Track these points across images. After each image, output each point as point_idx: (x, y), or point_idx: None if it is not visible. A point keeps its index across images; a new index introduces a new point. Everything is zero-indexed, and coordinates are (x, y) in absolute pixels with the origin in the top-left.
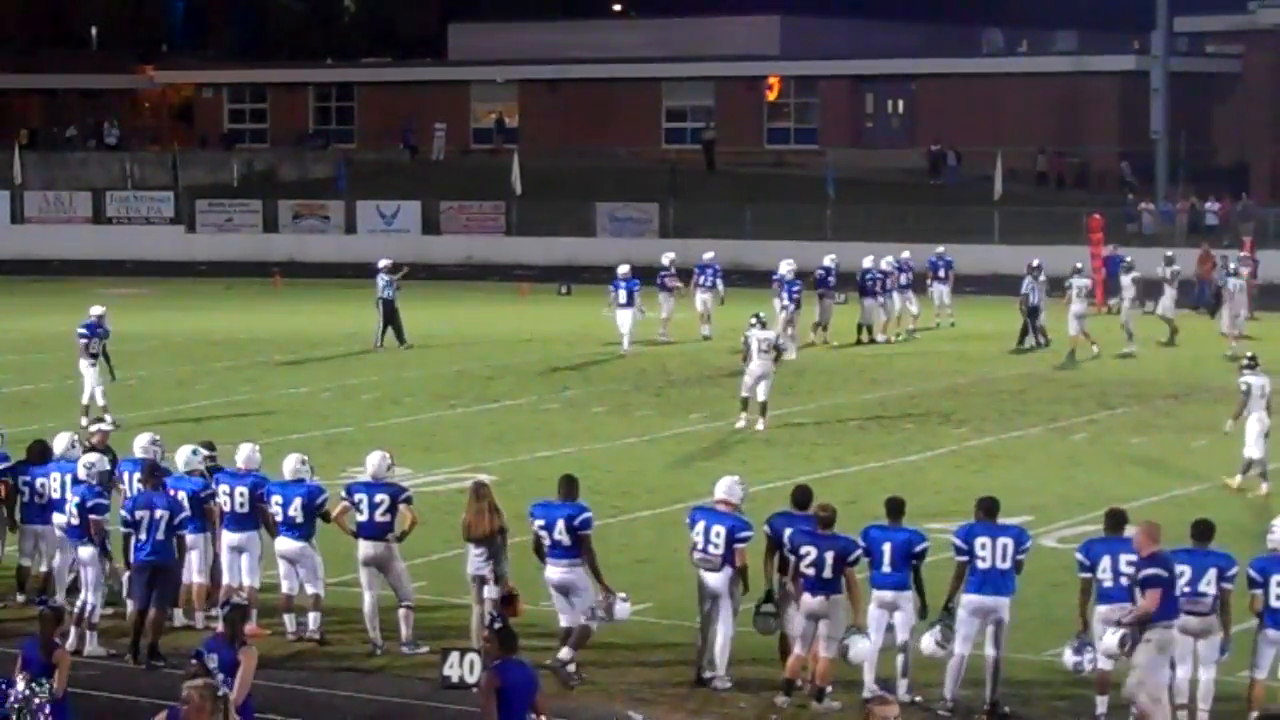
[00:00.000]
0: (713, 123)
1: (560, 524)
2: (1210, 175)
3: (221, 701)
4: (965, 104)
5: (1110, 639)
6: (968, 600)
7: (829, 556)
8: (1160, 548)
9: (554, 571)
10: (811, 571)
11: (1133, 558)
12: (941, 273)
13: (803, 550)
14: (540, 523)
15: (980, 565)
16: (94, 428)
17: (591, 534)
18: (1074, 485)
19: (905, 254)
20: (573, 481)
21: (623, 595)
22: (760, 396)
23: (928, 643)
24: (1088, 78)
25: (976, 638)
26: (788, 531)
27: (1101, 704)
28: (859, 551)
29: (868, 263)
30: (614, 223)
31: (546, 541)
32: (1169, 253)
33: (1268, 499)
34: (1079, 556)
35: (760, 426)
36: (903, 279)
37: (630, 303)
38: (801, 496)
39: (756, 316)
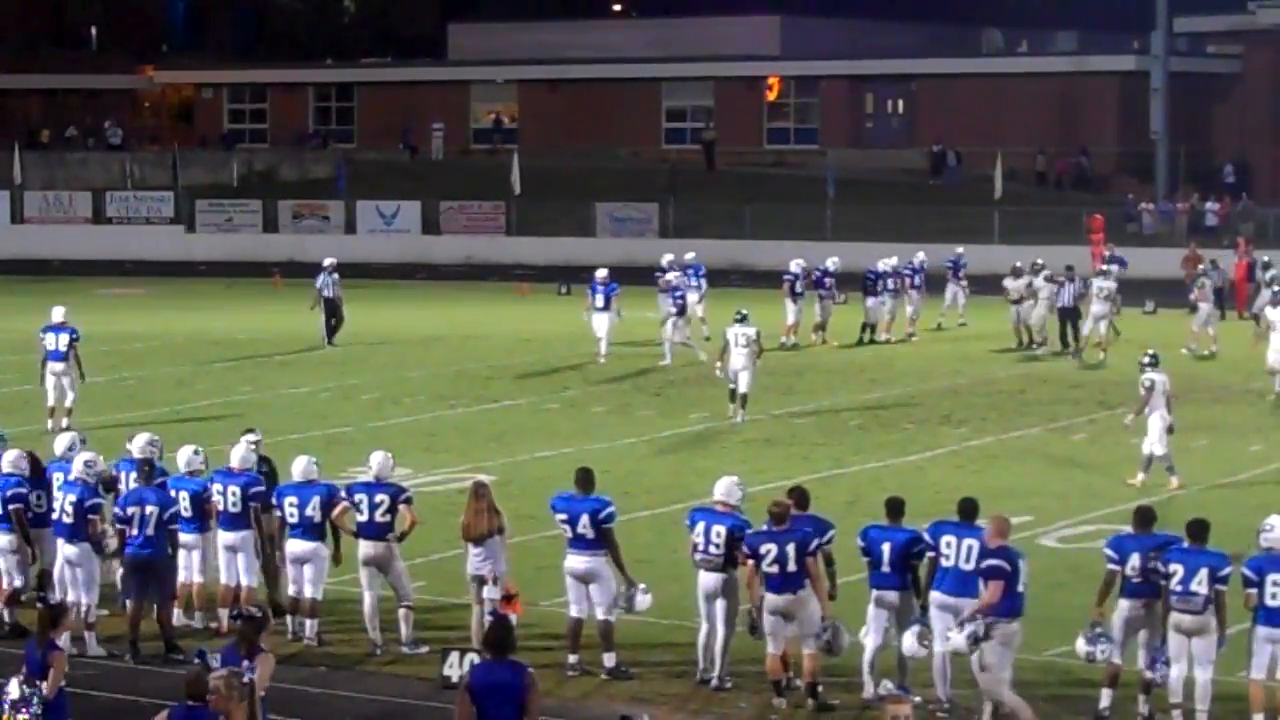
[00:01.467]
0: (713, 123)
1: (585, 518)
2: (1210, 175)
3: (247, 689)
4: (965, 104)
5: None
6: (934, 597)
7: (790, 550)
8: (1007, 542)
9: (576, 562)
10: (775, 569)
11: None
12: (959, 273)
13: (763, 549)
14: (563, 516)
15: (944, 563)
16: (249, 437)
17: (614, 526)
18: (1073, 485)
19: (920, 255)
20: (589, 474)
21: (643, 587)
22: (741, 389)
23: (909, 642)
24: (1088, 78)
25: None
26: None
27: (1106, 697)
28: (817, 540)
29: (882, 265)
30: (614, 223)
31: (569, 535)
32: (1108, 253)
33: (1180, 490)
34: (1108, 551)
35: (739, 419)
36: (916, 279)
37: (607, 307)
38: (800, 498)
39: (739, 312)
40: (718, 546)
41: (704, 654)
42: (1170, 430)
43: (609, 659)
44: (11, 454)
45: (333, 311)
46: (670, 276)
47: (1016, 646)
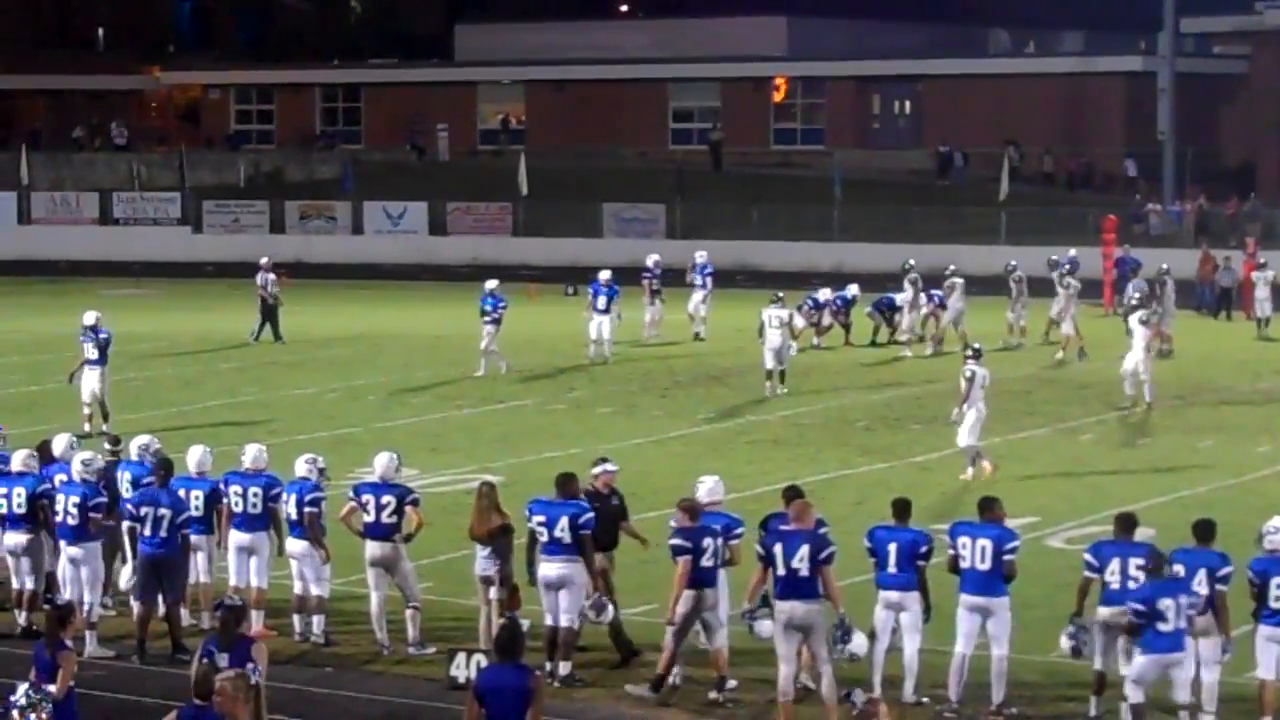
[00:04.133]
0: (719, 123)
1: (564, 521)
2: (1217, 176)
3: (253, 691)
4: (972, 105)
5: (764, 627)
6: (961, 599)
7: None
8: (696, 525)
9: (551, 568)
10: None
11: (1141, 561)
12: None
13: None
14: (540, 519)
15: (963, 565)
16: (598, 469)
17: (591, 534)
18: (1081, 486)
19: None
20: (572, 479)
21: (608, 599)
22: (779, 365)
23: (764, 627)
24: (1094, 78)
25: (978, 637)
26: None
27: (1094, 705)
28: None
29: (899, 299)
30: (620, 223)
31: (544, 538)
32: (1035, 256)
33: (974, 480)
34: (1088, 558)
35: (780, 391)
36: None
37: (608, 309)
38: (792, 496)
39: (776, 295)
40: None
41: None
42: (982, 424)
43: (564, 667)
44: (21, 454)
45: (270, 310)
46: (489, 284)
47: (710, 606)
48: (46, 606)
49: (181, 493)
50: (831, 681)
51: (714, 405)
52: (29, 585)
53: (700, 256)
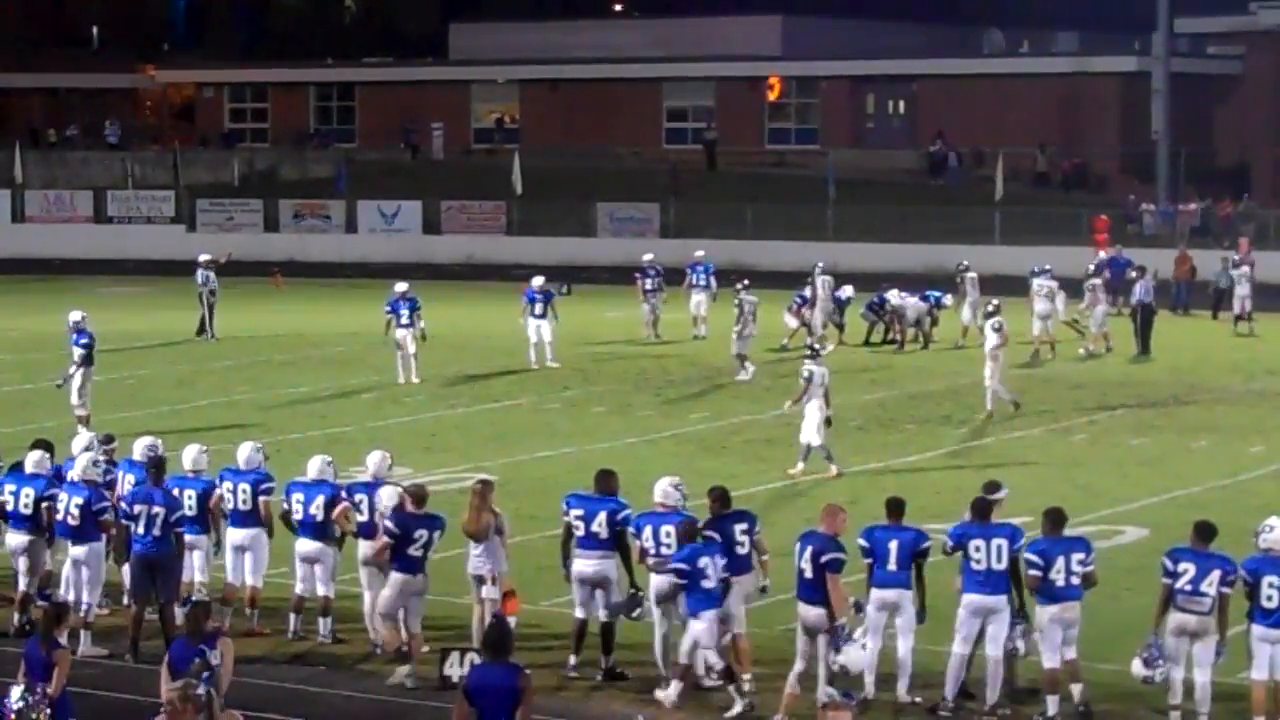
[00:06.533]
0: (714, 123)
1: (601, 516)
2: (1211, 176)
3: (204, 699)
4: (966, 104)
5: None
6: (967, 600)
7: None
8: (418, 514)
9: (586, 564)
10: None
11: (1082, 556)
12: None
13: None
14: (578, 513)
15: (975, 566)
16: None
17: (630, 530)
18: (1074, 486)
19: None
20: (611, 475)
21: (644, 594)
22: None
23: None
24: (1089, 78)
25: (977, 637)
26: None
27: (1052, 704)
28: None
29: (893, 299)
30: (615, 223)
31: (580, 532)
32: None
33: (838, 478)
34: (1032, 557)
35: (747, 375)
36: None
37: (544, 314)
38: (722, 495)
39: (743, 282)
40: (669, 547)
41: (664, 657)
42: (828, 422)
43: (608, 660)
44: (35, 454)
45: (210, 306)
46: (400, 287)
47: (414, 591)
48: (41, 604)
49: (176, 491)
50: (826, 684)
51: (708, 404)
52: (24, 586)
53: (698, 254)
